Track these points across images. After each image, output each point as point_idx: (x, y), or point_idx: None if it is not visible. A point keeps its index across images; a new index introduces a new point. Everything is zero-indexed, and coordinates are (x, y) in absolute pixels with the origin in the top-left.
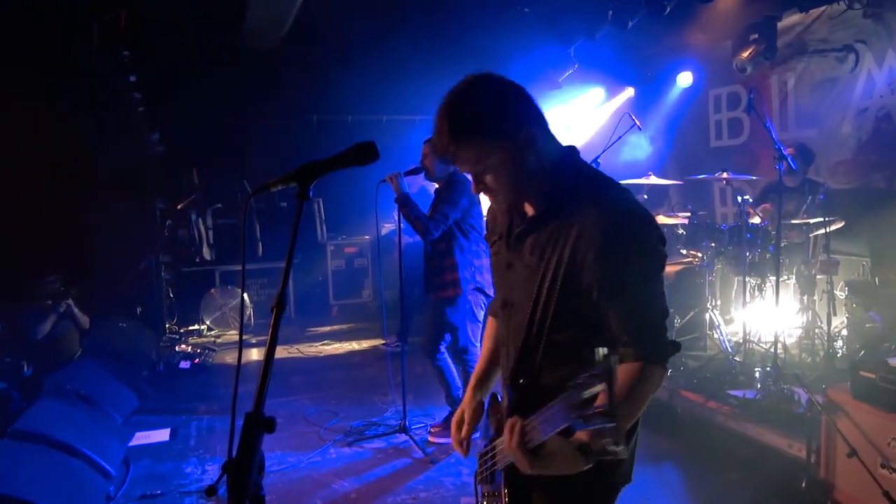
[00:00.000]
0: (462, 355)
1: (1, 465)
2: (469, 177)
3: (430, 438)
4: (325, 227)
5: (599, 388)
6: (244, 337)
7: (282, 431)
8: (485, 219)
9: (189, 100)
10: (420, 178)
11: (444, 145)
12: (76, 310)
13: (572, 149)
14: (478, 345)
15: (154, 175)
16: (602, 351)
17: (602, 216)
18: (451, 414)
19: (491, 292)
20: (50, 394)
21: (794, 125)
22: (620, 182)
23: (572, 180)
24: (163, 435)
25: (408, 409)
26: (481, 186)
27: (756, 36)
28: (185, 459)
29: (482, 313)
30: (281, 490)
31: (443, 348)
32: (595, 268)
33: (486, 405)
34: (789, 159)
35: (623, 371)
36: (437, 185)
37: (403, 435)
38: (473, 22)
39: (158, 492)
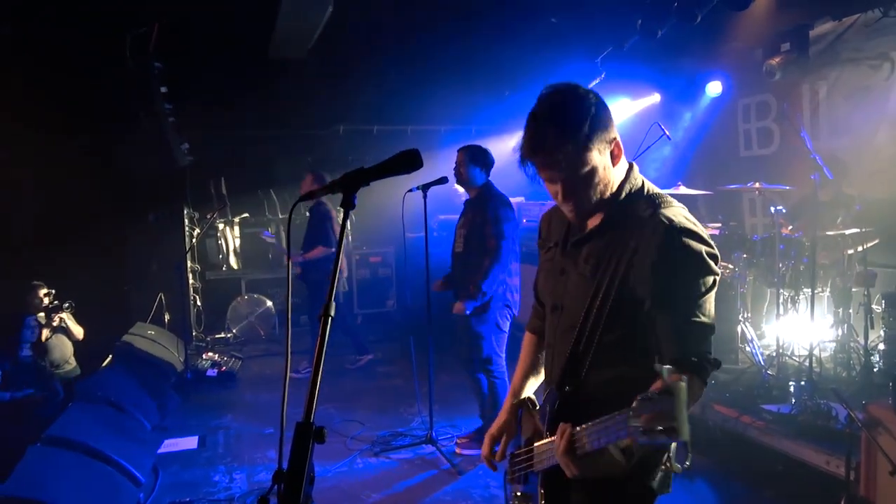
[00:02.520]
0: (486, 365)
1: (35, 470)
2: (549, 185)
3: (458, 450)
4: (350, 237)
5: (665, 405)
6: (270, 346)
7: None
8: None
9: (218, 111)
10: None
11: (547, 152)
12: (70, 322)
13: (632, 165)
14: (502, 355)
15: (183, 184)
16: (668, 368)
17: (659, 231)
18: (481, 427)
19: (517, 311)
20: (80, 400)
21: (826, 135)
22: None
23: (634, 194)
24: (191, 443)
25: (434, 420)
26: (570, 197)
27: (788, 45)
28: (214, 467)
29: (507, 324)
30: None
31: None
32: (648, 280)
33: (520, 414)
34: (826, 169)
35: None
36: (468, 195)
37: (430, 446)
38: (500, 33)
39: (188, 499)
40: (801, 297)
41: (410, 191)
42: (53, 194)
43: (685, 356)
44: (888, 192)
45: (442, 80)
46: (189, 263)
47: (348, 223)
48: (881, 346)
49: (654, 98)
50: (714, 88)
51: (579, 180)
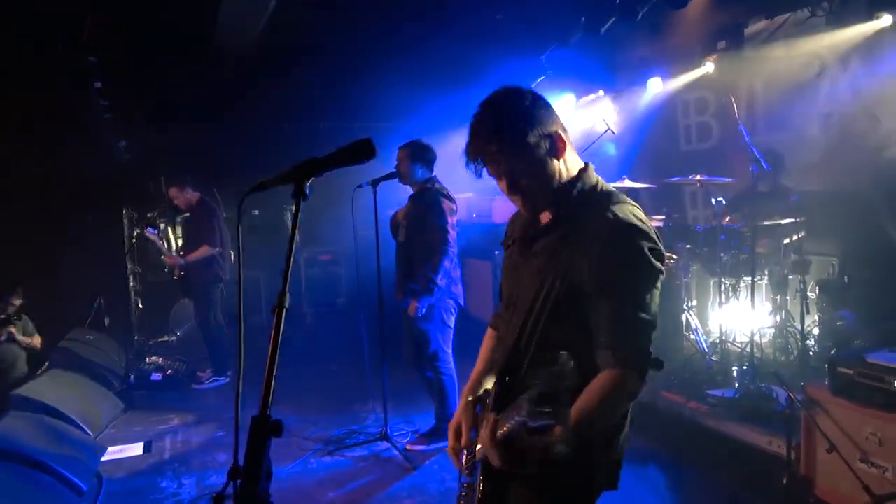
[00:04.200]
0: (433, 362)
1: None
2: (499, 181)
3: (408, 447)
4: (298, 236)
5: (550, 387)
6: None
7: None
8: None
9: (157, 107)
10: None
11: (485, 147)
12: (20, 336)
13: (588, 165)
14: (448, 350)
15: (121, 183)
16: (565, 354)
17: (606, 227)
18: (435, 427)
19: (463, 302)
20: (17, 409)
21: (763, 129)
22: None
23: (586, 192)
24: (136, 449)
25: (388, 416)
26: (516, 190)
27: (724, 42)
28: (161, 473)
29: (452, 319)
30: None
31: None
32: (592, 274)
33: (478, 409)
34: (763, 161)
35: (600, 376)
36: (412, 190)
37: (385, 443)
38: (447, 30)
39: None
40: (742, 285)
41: (360, 186)
42: None
43: (622, 349)
44: (821, 185)
45: (388, 77)
46: (129, 265)
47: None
48: (816, 331)
49: (599, 94)
50: (655, 85)
51: (520, 173)
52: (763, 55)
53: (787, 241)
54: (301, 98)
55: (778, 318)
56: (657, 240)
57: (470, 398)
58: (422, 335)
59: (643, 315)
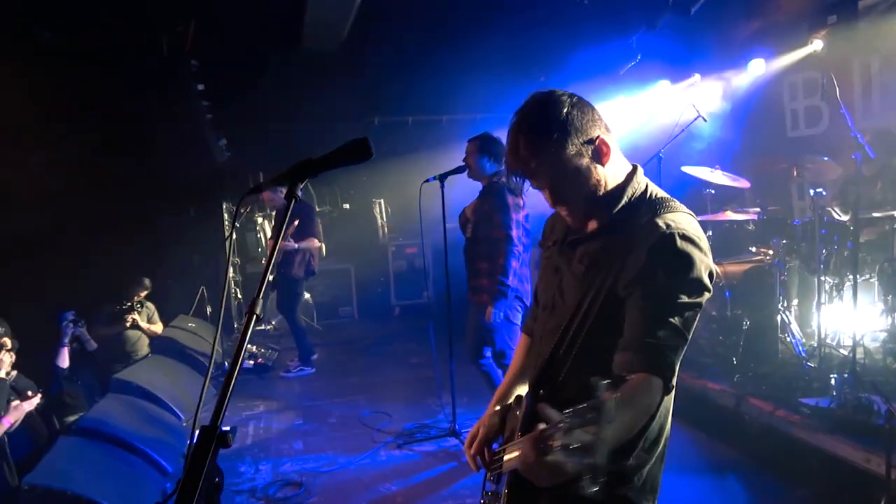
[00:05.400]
0: (501, 359)
1: (62, 461)
2: (543, 194)
3: None
4: (386, 229)
5: (589, 428)
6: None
7: (335, 432)
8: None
9: (253, 105)
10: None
11: (523, 161)
12: (143, 323)
13: (636, 167)
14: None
15: (221, 179)
16: (604, 384)
17: (655, 234)
18: None
19: (528, 302)
20: (115, 392)
21: (880, 112)
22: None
23: (636, 199)
24: None
25: (461, 411)
26: (560, 202)
27: (834, 17)
28: (241, 458)
29: (519, 316)
30: (328, 491)
31: (487, 353)
32: (634, 281)
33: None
34: (867, 147)
35: (629, 382)
36: (481, 184)
37: (454, 438)
38: (531, 17)
39: None
40: (847, 284)
41: (427, 181)
42: (93, 194)
43: (649, 353)
44: None
45: (476, 69)
46: (228, 257)
47: (384, 214)
48: None
49: (695, 78)
50: (757, 66)
51: (562, 184)
52: (881, 29)
53: None
54: (390, 93)
55: (890, 320)
56: (709, 253)
57: (497, 407)
58: (488, 333)
59: (677, 328)
